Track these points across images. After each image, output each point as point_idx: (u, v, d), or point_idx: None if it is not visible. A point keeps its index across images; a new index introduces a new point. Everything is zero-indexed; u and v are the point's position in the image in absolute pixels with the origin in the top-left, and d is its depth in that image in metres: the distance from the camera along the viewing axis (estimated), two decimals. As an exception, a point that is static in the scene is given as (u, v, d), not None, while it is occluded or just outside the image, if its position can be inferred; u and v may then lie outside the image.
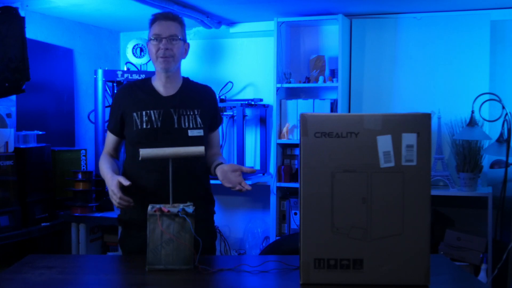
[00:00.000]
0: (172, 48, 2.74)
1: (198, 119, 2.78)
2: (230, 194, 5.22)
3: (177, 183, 2.67)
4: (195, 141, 2.72)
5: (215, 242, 2.97)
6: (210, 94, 2.92)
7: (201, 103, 2.82)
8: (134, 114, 2.77)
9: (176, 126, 2.75)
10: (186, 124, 2.76)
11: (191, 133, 2.74)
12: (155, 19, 2.79)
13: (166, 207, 2.26)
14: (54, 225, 4.32)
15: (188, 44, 2.87)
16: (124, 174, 2.85)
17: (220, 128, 3.03)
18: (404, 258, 2.03)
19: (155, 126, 2.74)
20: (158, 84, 2.83)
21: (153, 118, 2.75)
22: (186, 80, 2.89)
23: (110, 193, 2.58)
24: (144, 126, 2.74)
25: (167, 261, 2.25)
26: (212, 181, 2.99)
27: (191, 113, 2.78)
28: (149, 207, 2.28)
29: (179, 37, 2.76)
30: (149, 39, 2.78)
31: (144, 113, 2.76)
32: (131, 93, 2.84)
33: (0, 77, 3.89)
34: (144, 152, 2.39)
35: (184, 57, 2.85)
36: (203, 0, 4.55)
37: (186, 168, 2.70)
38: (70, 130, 5.18)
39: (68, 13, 4.83)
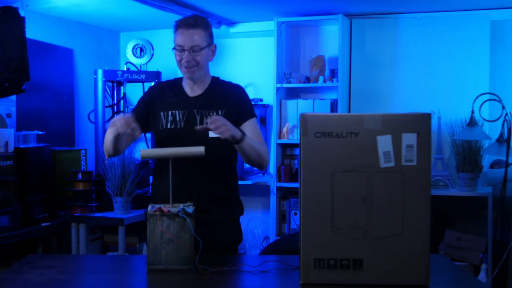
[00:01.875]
0: (195, 59, 2.70)
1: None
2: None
3: (200, 183, 2.72)
4: (216, 142, 2.67)
5: (238, 245, 2.93)
6: (237, 92, 2.85)
7: (226, 102, 2.77)
8: (161, 113, 2.79)
9: (198, 127, 2.73)
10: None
11: (211, 133, 2.70)
12: (177, 26, 2.74)
13: (166, 207, 2.26)
14: (54, 225, 4.32)
15: (215, 45, 2.83)
16: (153, 175, 2.92)
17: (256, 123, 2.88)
18: (404, 258, 2.02)
19: (178, 126, 2.75)
20: (186, 85, 2.83)
21: (177, 118, 2.76)
22: (214, 80, 2.86)
23: (120, 117, 2.51)
24: (169, 126, 2.76)
25: (167, 261, 2.25)
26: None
27: (214, 114, 2.73)
28: (149, 207, 2.28)
29: (202, 46, 2.71)
30: (173, 47, 2.75)
31: (170, 113, 2.77)
32: (161, 92, 2.85)
33: (0, 77, 3.89)
34: (144, 152, 2.39)
35: (211, 60, 2.82)
36: (203, 0, 4.55)
37: (208, 169, 2.69)
38: (70, 130, 5.18)
39: (68, 13, 4.83)
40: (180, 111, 2.77)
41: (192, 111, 2.76)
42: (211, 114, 2.74)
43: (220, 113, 2.74)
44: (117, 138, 2.63)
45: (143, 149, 2.41)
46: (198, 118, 2.75)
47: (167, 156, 2.38)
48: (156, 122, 2.80)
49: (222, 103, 2.77)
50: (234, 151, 2.80)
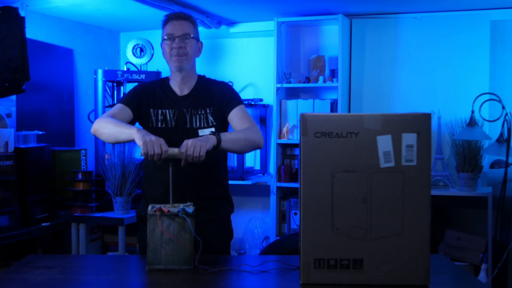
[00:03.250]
0: (185, 47, 2.75)
1: (210, 118, 2.77)
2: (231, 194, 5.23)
3: (193, 181, 2.72)
4: None
5: (230, 242, 2.95)
6: (222, 88, 2.85)
7: (213, 101, 2.80)
8: (151, 110, 2.79)
9: (188, 126, 2.76)
10: (198, 123, 2.76)
11: (201, 132, 2.73)
12: (167, 19, 2.80)
13: (166, 207, 2.26)
14: (54, 225, 4.32)
15: (201, 43, 2.88)
16: (143, 175, 2.91)
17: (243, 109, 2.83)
18: (404, 258, 2.02)
19: (169, 126, 2.77)
20: (174, 83, 2.84)
21: (168, 117, 2.77)
22: (201, 78, 2.88)
23: (156, 141, 2.39)
24: (159, 125, 2.77)
25: (167, 261, 2.25)
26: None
27: (203, 113, 2.77)
28: (149, 207, 2.28)
29: (192, 35, 2.78)
30: (163, 39, 2.79)
31: (160, 111, 2.78)
32: (152, 89, 2.84)
33: (0, 77, 3.89)
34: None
35: (198, 56, 2.86)
36: (203, 0, 4.55)
37: (200, 167, 2.68)
38: (70, 130, 5.18)
39: (68, 13, 4.83)
40: (170, 110, 2.78)
41: (181, 110, 2.78)
42: (199, 112, 2.77)
43: (208, 111, 2.77)
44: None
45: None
46: (188, 117, 2.77)
47: (172, 156, 2.38)
48: (147, 119, 2.80)
49: (209, 102, 2.80)
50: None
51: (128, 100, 2.81)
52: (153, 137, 2.41)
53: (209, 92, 2.83)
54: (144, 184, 2.91)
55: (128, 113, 2.78)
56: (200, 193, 2.75)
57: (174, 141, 2.57)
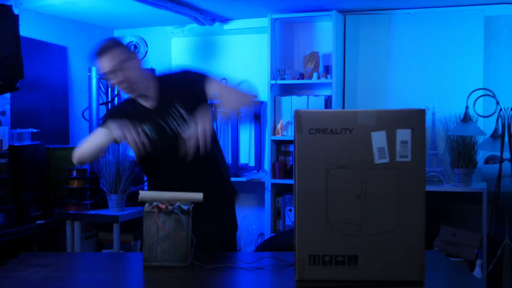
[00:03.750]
0: (123, 76, 2.66)
1: (183, 112, 2.72)
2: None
3: (197, 184, 2.72)
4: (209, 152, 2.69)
5: (235, 233, 2.99)
6: (185, 75, 2.81)
7: (179, 93, 2.75)
8: None
9: (170, 133, 2.73)
10: (176, 127, 2.73)
11: (186, 134, 2.72)
12: (94, 57, 2.68)
13: (163, 204, 2.26)
14: (49, 222, 4.31)
15: (135, 53, 2.81)
16: (148, 179, 2.94)
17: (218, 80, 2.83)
18: (399, 254, 2.03)
19: (153, 141, 2.71)
20: (140, 100, 2.80)
21: (149, 134, 2.72)
22: (160, 80, 2.82)
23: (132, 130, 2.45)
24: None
25: (163, 258, 2.25)
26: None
27: (175, 112, 2.73)
28: (146, 204, 2.28)
29: (124, 60, 2.65)
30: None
31: (139, 130, 2.71)
32: (124, 111, 2.79)
33: (-6, 75, 3.89)
34: (143, 195, 2.36)
35: (143, 66, 2.77)
36: (197, -3, 4.55)
37: (214, 171, 2.66)
38: (65, 127, 5.17)
39: (62, 10, 4.82)
40: (148, 126, 2.74)
41: (157, 121, 2.74)
42: (172, 114, 2.73)
43: (178, 107, 2.72)
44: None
45: (142, 192, 2.39)
46: (166, 126, 2.74)
47: (166, 199, 2.35)
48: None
49: (176, 97, 2.75)
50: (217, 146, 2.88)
51: (108, 123, 2.73)
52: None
53: (173, 88, 2.77)
54: (150, 187, 2.94)
55: (109, 136, 2.70)
56: (203, 192, 2.73)
57: (163, 153, 2.63)
